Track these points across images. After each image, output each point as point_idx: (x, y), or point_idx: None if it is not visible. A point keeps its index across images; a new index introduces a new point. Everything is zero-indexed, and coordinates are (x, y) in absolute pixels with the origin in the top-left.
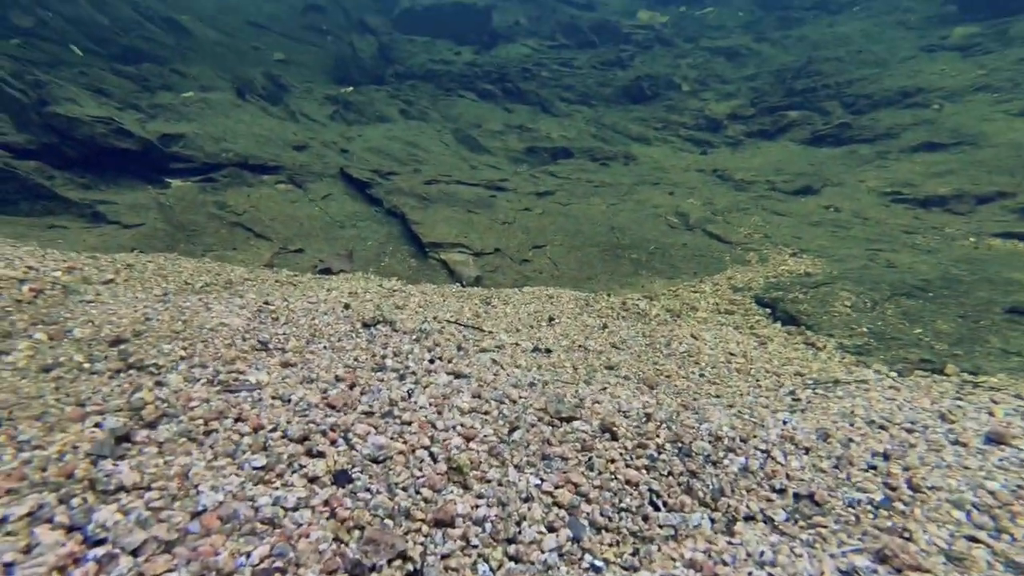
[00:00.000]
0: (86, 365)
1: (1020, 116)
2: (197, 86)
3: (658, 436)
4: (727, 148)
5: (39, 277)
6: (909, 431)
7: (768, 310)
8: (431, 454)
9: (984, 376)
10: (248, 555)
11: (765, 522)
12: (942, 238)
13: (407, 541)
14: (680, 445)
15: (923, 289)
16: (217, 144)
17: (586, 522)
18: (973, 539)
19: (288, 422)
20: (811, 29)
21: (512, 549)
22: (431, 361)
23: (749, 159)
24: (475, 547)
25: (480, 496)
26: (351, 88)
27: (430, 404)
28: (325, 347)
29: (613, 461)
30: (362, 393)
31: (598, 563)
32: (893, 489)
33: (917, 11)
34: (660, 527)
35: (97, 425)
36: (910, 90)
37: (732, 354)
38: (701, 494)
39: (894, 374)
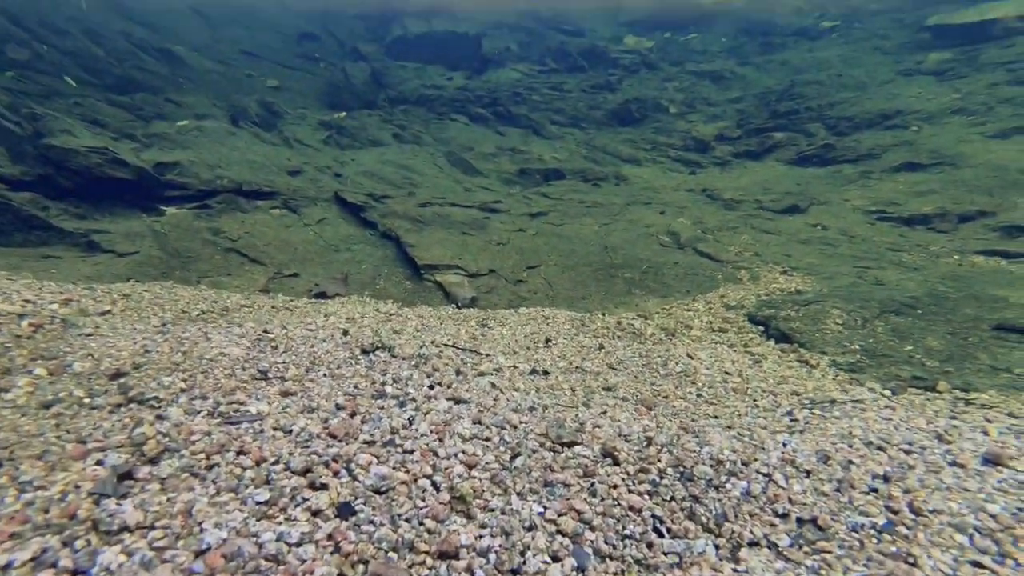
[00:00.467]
0: (86, 400)
1: (995, 138)
2: (192, 115)
3: (659, 460)
4: (715, 168)
5: (37, 311)
6: (907, 452)
7: (761, 328)
8: (433, 483)
9: (975, 393)
10: None
11: (769, 548)
12: (927, 256)
13: (411, 575)
14: (682, 469)
15: (911, 306)
16: (212, 171)
17: (590, 550)
18: (977, 564)
19: (290, 454)
20: (792, 54)
21: None
22: (431, 387)
23: (737, 179)
24: None
25: (483, 526)
26: (344, 114)
27: (431, 431)
28: (325, 375)
29: (615, 487)
30: (363, 422)
31: None
32: (895, 512)
33: (892, 38)
34: (665, 554)
35: (99, 462)
36: (889, 112)
37: (728, 373)
38: (704, 519)
39: (888, 392)
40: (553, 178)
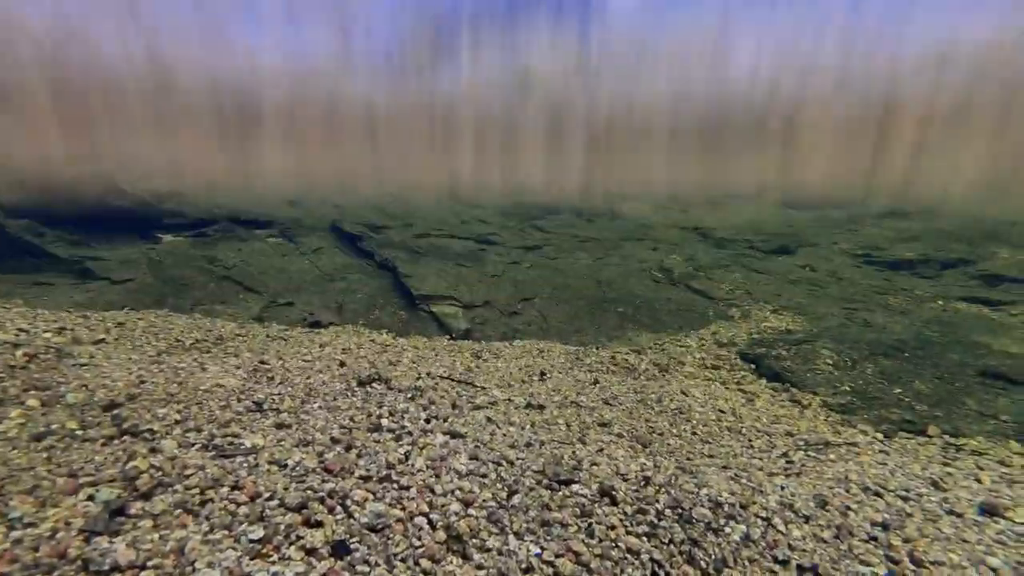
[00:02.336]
0: (79, 432)
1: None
2: None
3: (658, 501)
4: (707, 206)
5: (31, 340)
6: (904, 499)
7: (753, 366)
8: (430, 521)
9: (964, 438)
10: None
11: None
12: (912, 299)
13: None
14: (680, 511)
15: (899, 349)
16: (210, 200)
17: None
18: None
19: (285, 489)
20: None
21: None
22: (427, 420)
23: (729, 218)
24: None
25: (480, 567)
26: None
27: (427, 467)
28: (320, 407)
29: (613, 528)
30: (359, 456)
31: None
32: (896, 563)
33: None
34: None
35: (90, 498)
36: None
37: (722, 411)
38: (704, 564)
39: (880, 435)
40: (549, 213)
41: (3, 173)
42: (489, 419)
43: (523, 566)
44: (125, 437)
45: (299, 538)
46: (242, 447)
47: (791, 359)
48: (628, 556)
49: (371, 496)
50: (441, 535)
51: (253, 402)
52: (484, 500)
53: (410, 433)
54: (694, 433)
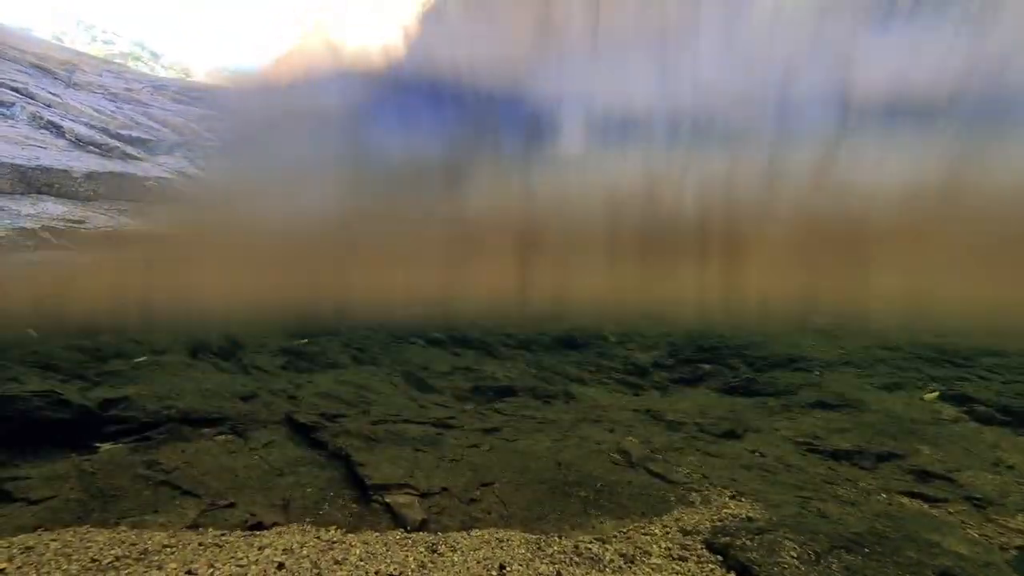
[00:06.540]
0: None
1: (883, 389)
2: (150, 351)
3: None
4: (656, 392)
5: None
6: None
7: (719, 557)
8: None
9: None
10: None
11: None
12: (858, 491)
13: None
14: None
15: (858, 543)
16: (160, 402)
17: None
18: None
19: None
20: None
21: None
22: None
23: (676, 402)
24: None
25: None
26: (306, 340)
27: None
28: None
29: None
30: None
31: None
32: None
33: None
34: None
35: None
36: (795, 356)
37: None
38: None
39: None
40: (506, 395)
41: None
42: None
43: None
44: None
45: None
46: None
47: (756, 550)
48: None
49: None
50: None
51: None
52: None
53: None
54: None
